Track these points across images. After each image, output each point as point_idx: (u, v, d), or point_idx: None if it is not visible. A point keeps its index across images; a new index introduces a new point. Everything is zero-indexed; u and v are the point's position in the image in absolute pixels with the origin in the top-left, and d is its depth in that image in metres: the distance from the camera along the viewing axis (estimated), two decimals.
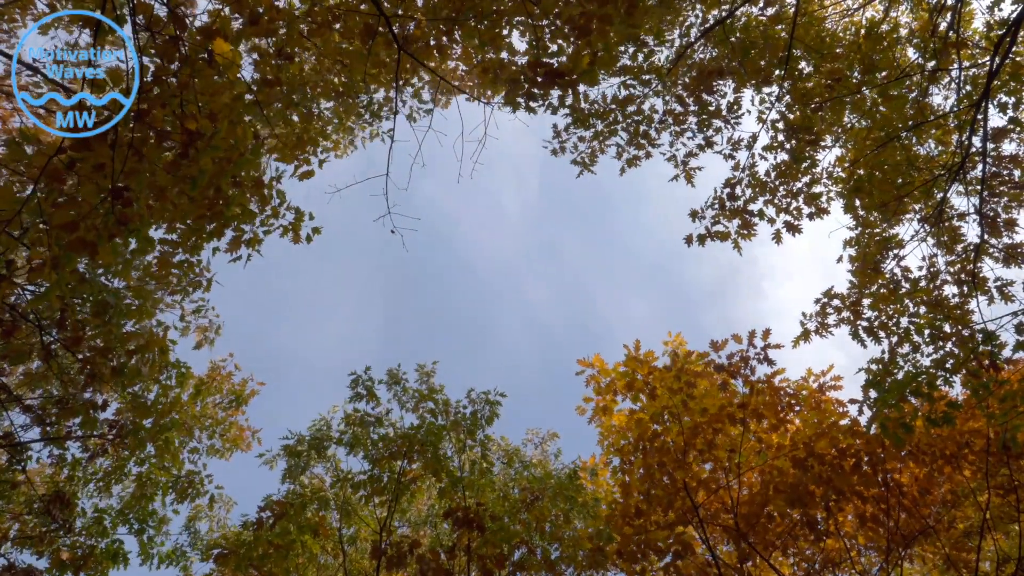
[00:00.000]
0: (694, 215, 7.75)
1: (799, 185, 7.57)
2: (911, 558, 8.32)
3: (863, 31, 7.01)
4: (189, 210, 4.15)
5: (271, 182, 4.91)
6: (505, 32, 4.43)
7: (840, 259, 6.99)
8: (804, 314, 7.27)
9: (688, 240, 7.74)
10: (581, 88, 4.95)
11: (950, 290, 6.51)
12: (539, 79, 4.26)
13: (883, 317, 6.38)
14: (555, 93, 4.53)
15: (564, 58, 4.39)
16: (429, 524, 10.07)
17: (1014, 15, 5.37)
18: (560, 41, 4.44)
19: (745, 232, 7.69)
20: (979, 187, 6.23)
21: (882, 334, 6.34)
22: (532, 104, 4.64)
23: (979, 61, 6.64)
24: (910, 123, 6.44)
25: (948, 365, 5.31)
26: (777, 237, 7.71)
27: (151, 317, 6.62)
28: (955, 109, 6.27)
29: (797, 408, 7.63)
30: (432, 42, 4.54)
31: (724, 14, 7.19)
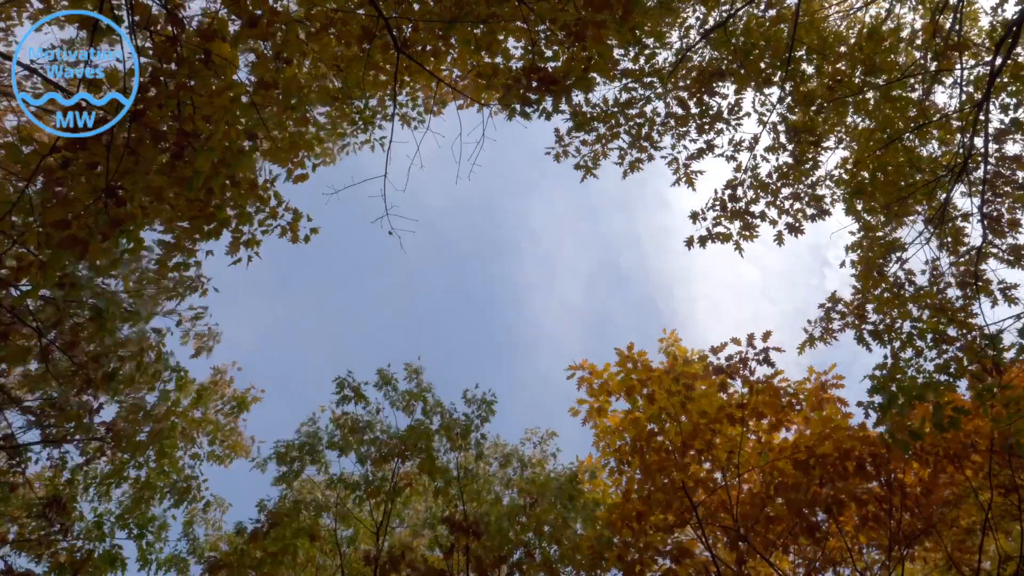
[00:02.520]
0: (695, 216, 7.71)
1: (802, 187, 7.54)
2: (912, 557, 8.30)
3: (865, 31, 6.97)
4: (186, 211, 4.11)
5: (266, 183, 4.87)
6: (501, 37, 4.39)
7: (843, 264, 6.96)
8: (809, 321, 7.25)
9: (689, 242, 7.70)
10: (578, 94, 4.92)
11: (953, 293, 6.48)
12: (534, 84, 4.23)
13: (887, 320, 6.35)
14: (549, 99, 4.51)
15: (559, 63, 4.36)
16: (427, 526, 10.04)
17: (1016, 15, 5.34)
18: (555, 47, 4.41)
19: (747, 233, 7.65)
20: (982, 188, 6.20)
21: (886, 338, 6.31)
22: (527, 110, 4.60)
23: (982, 61, 6.60)
24: (912, 124, 6.41)
25: (952, 369, 5.28)
26: (779, 239, 7.68)
27: (148, 321, 6.58)
28: (958, 110, 6.24)
29: (798, 407, 7.60)
30: (428, 47, 4.51)
31: (725, 15, 7.15)
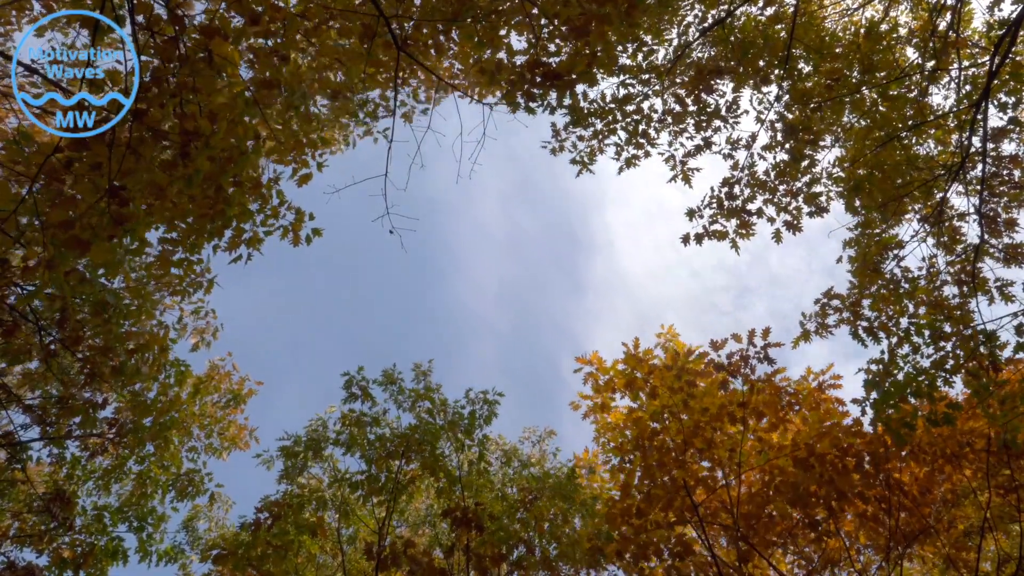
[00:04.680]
0: (691, 214, 7.74)
1: (799, 184, 7.56)
2: (911, 557, 8.31)
3: (863, 31, 6.99)
4: (189, 209, 4.15)
5: (269, 182, 4.90)
6: (503, 32, 4.42)
7: (840, 259, 6.98)
8: (804, 314, 7.27)
9: (685, 239, 7.73)
10: (580, 88, 4.94)
11: (950, 290, 6.51)
12: (538, 79, 4.26)
13: (883, 317, 6.37)
14: (554, 93, 4.53)
15: (563, 57, 4.38)
16: (428, 524, 10.07)
17: (1014, 15, 5.36)
18: (559, 41, 4.43)
19: (743, 231, 7.68)
20: (979, 187, 6.22)
21: (882, 334, 6.34)
22: (531, 104, 4.63)
23: (979, 61, 6.62)
24: (910, 123, 6.43)
25: (948, 366, 5.31)
26: (777, 236, 7.71)
27: (151, 318, 6.63)
28: (955, 109, 6.26)
29: (797, 407, 7.62)
30: (429, 42, 4.54)
31: (723, 13, 7.18)
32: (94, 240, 3.38)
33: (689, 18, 7.54)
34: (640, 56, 7.01)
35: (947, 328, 5.84)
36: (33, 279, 3.67)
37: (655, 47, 7.06)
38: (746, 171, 7.66)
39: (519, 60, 4.61)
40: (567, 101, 5.64)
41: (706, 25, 7.35)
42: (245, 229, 4.98)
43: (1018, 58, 6.22)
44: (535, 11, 4.33)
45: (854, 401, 5.52)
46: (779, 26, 7.25)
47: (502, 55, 4.49)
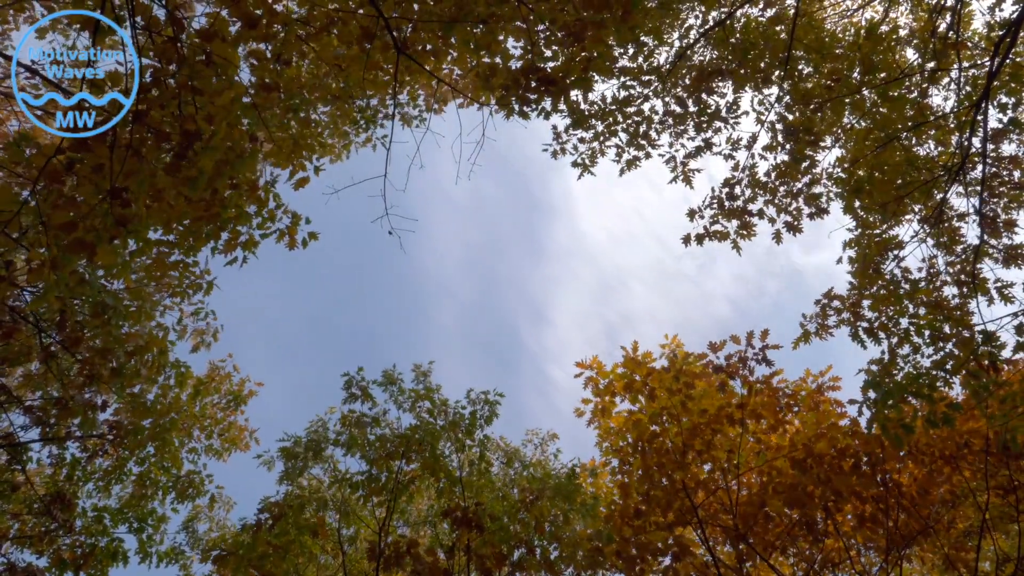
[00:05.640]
0: (692, 215, 7.74)
1: (799, 185, 7.56)
2: (910, 558, 8.32)
3: (863, 32, 6.99)
4: (186, 211, 4.14)
5: (266, 185, 4.89)
6: (500, 37, 4.42)
7: (840, 260, 6.98)
8: (804, 315, 7.26)
9: (686, 240, 7.73)
10: (575, 93, 4.94)
11: (950, 291, 6.51)
12: (532, 84, 4.26)
13: (883, 318, 6.37)
14: (548, 100, 4.54)
15: (559, 62, 4.38)
16: (428, 524, 10.07)
17: (1014, 15, 5.36)
18: (555, 47, 4.43)
19: (744, 232, 7.68)
20: (979, 188, 6.22)
21: (882, 335, 6.34)
22: (525, 109, 4.63)
23: (979, 62, 6.62)
24: (910, 124, 6.43)
25: (948, 366, 5.30)
26: (777, 237, 7.71)
27: (151, 320, 6.62)
28: (955, 110, 6.26)
29: (796, 409, 7.63)
30: (428, 46, 4.53)
31: (724, 15, 7.18)
32: (98, 242, 3.37)
33: (690, 20, 7.55)
34: (641, 58, 7.02)
35: (947, 329, 5.84)
36: (38, 281, 3.66)
37: (656, 49, 7.06)
38: (747, 172, 7.66)
39: (516, 65, 4.61)
40: (562, 106, 5.66)
41: (707, 27, 7.35)
42: (241, 232, 4.97)
43: (1018, 59, 6.22)
44: (531, 16, 4.33)
45: (851, 402, 5.52)
46: (779, 27, 7.25)
47: (498, 60, 4.49)
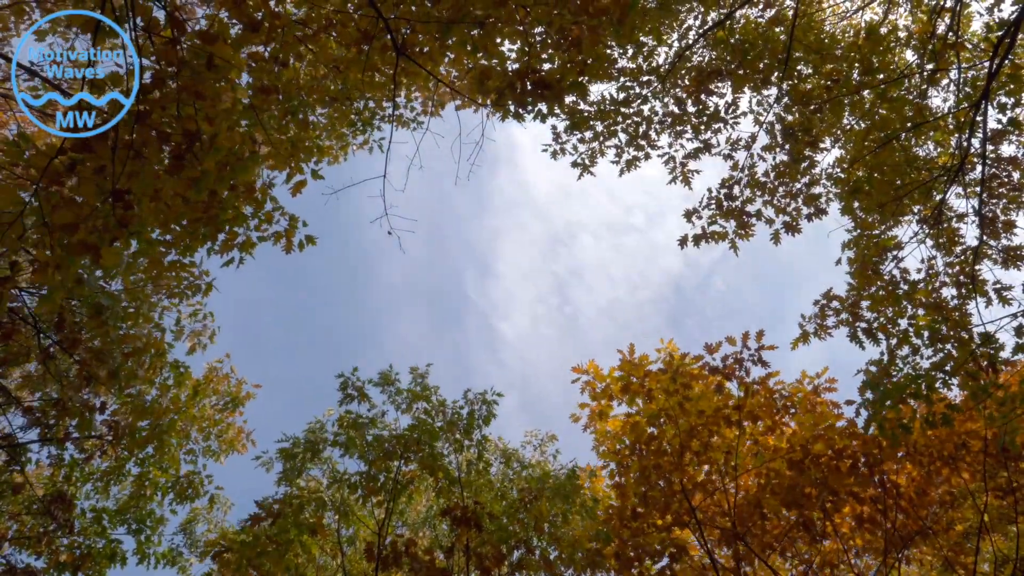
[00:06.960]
0: (689, 215, 7.74)
1: (798, 186, 7.57)
2: (909, 559, 8.32)
3: (862, 33, 7.00)
4: (183, 212, 4.14)
5: (264, 187, 4.90)
6: (498, 40, 4.42)
7: (839, 261, 6.99)
8: (803, 316, 7.27)
9: (683, 241, 7.73)
10: (571, 97, 4.95)
11: (949, 292, 6.51)
12: (528, 87, 4.27)
13: (882, 319, 6.38)
14: (543, 104, 4.54)
15: (555, 65, 4.39)
16: (428, 525, 10.07)
17: (1013, 16, 5.37)
18: (551, 50, 4.44)
19: (742, 232, 7.68)
20: (978, 189, 6.23)
21: (881, 336, 6.34)
22: (521, 112, 4.64)
23: (978, 63, 6.63)
24: (909, 124, 6.44)
25: (947, 367, 5.31)
26: (775, 237, 7.71)
27: (149, 321, 6.61)
28: (954, 110, 6.27)
29: (792, 411, 7.63)
30: (426, 48, 4.54)
31: (723, 16, 7.18)
32: (101, 243, 3.36)
33: (689, 21, 7.55)
34: (640, 59, 7.02)
35: (945, 330, 5.85)
36: (42, 282, 3.66)
37: (655, 50, 7.07)
38: (745, 172, 7.67)
39: (512, 67, 4.62)
40: (557, 109, 5.67)
41: (706, 27, 7.36)
42: (239, 233, 4.97)
43: (1017, 60, 6.23)
44: (528, 19, 4.33)
45: (848, 402, 5.53)
46: (779, 28, 7.25)
47: (494, 63, 4.50)
